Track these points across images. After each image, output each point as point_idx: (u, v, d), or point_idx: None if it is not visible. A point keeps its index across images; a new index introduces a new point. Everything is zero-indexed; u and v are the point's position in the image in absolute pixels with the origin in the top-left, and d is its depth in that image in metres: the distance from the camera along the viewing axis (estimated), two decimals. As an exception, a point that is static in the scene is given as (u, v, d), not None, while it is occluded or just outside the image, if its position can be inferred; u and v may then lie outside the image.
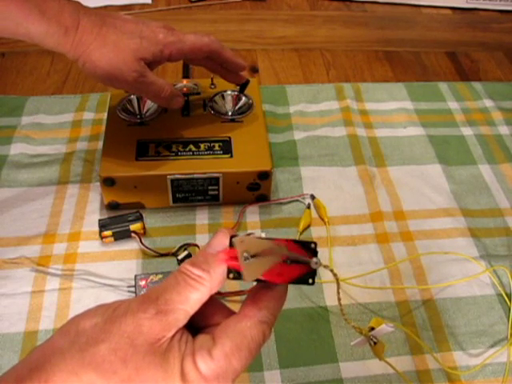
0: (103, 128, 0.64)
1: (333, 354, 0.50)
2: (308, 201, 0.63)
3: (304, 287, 0.54)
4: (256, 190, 0.61)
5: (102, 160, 0.58)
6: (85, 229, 0.59)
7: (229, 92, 0.67)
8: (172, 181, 0.58)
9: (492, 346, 0.51)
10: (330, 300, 0.54)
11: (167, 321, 0.28)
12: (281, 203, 0.63)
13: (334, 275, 0.33)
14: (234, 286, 0.53)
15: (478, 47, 0.92)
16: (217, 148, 0.60)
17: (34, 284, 0.54)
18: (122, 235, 0.57)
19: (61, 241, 0.58)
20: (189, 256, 0.56)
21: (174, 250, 0.57)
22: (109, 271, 0.55)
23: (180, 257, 0.56)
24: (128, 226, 0.57)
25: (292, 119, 0.74)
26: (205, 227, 0.60)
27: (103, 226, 0.57)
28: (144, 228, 0.58)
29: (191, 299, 0.28)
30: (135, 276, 0.53)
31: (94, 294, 0.53)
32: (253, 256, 0.29)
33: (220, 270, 0.29)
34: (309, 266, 0.29)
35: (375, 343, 0.41)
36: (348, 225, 0.61)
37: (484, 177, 0.68)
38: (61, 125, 0.71)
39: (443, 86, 0.81)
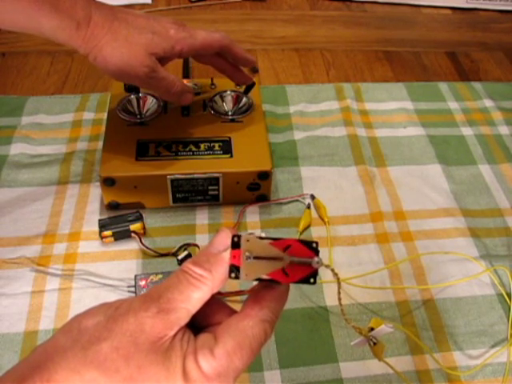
0: (103, 128, 0.64)
1: (333, 354, 0.50)
2: (308, 201, 0.63)
3: (304, 287, 0.54)
4: (256, 189, 0.61)
5: (102, 160, 0.58)
6: (85, 229, 0.59)
7: (229, 92, 0.67)
8: (172, 181, 0.58)
9: (492, 346, 0.51)
10: (330, 300, 0.54)
11: (169, 319, 0.28)
12: (281, 203, 0.63)
13: (335, 275, 0.33)
14: (235, 285, 0.53)
15: (478, 47, 0.92)
16: (217, 148, 0.60)
17: (34, 284, 0.54)
18: (122, 235, 0.57)
19: (61, 241, 0.57)
20: (189, 256, 0.56)
21: (174, 250, 0.57)
22: (109, 271, 0.55)
23: (180, 257, 0.56)
24: (128, 225, 0.57)
25: (292, 119, 0.74)
26: (205, 227, 0.60)
27: (103, 226, 0.57)
28: (144, 228, 0.58)
29: (193, 298, 0.28)
30: (135, 276, 0.53)
31: (94, 294, 0.53)
32: (255, 257, 0.29)
33: (222, 270, 0.29)
34: (310, 267, 0.29)
35: (375, 343, 0.41)
36: (348, 225, 0.61)
37: (484, 177, 0.68)
38: (61, 125, 0.71)
39: (443, 86, 0.81)
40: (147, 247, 0.57)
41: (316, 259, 0.29)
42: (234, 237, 0.30)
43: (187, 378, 0.27)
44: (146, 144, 0.60)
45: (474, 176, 0.68)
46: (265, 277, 0.29)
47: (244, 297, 0.53)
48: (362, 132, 0.73)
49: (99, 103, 0.74)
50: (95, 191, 0.63)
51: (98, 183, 0.59)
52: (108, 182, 0.57)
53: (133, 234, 0.57)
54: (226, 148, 0.60)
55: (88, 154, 0.67)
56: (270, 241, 0.30)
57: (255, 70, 0.84)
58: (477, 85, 0.82)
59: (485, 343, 0.52)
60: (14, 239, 0.57)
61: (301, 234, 0.60)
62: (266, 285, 0.30)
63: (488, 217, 0.63)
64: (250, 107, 0.66)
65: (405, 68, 0.86)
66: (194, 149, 0.60)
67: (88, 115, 0.73)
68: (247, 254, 0.29)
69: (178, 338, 0.28)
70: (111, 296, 0.53)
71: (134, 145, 0.60)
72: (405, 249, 0.59)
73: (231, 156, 0.60)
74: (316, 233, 0.60)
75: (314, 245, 0.30)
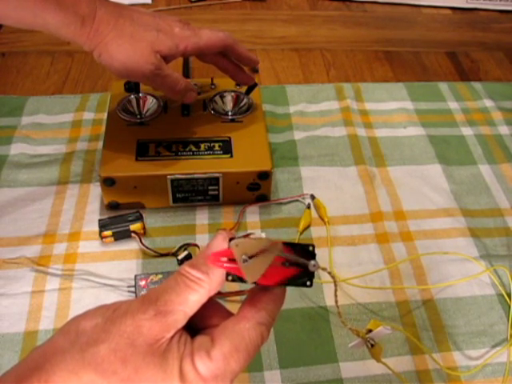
0: (103, 128, 0.64)
1: (333, 354, 0.50)
2: (308, 201, 0.63)
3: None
4: (256, 189, 0.61)
5: (102, 160, 0.58)
6: (85, 229, 0.59)
7: (229, 92, 0.67)
8: (172, 181, 0.58)
9: (492, 346, 0.51)
10: (330, 300, 0.54)
11: (166, 322, 0.28)
12: (281, 203, 0.63)
13: (332, 277, 0.33)
14: (234, 285, 0.53)
15: (478, 47, 0.92)
16: (217, 148, 0.60)
17: (34, 284, 0.54)
18: (121, 235, 0.57)
19: (61, 241, 0.58)
20: (189, 256, 0.56)
21: (174, 250, 0.57)
22: (109, 271, 0.55)
23: (180, 257, 0.56)
24: (128, 225, 0.57)
25: (292, 119, 0.74)
26: (205, 227, 0.60)
27: (103, 226, 0.57)
28: (144, 228, 0.58)
29: (190, 301, 0.28)
30: (135, 276, 0.53)
31: (94, 293, 0.53)
32: (251, 257, 0.29)
33: (219, 273, 0.29)
34: (306, 268, 0.29)
35: (372, 345, 0.41)
36: (348, 225, 0.61)
37: (484, 177, 0.68)
38: (61, 125, 0.71)
39: (443, 86, 0.81)
40: (147, 247, 0.57)
41: (312, 262, 0.29)
42: (231, 240, 0.30)
43: (184, 380, 0.27)
44: (146, 144, 0.60)
45: (474, 176, 0.68)
46: (261, 282, 0.29)
47: (243, 297, 0.53)
48: (361, 132, 0.73)
49: (99, 103, 0.74)
50: (95, 191, 0.63)
51: (98, 183, 0.59)
52: (108, 182, 0.57)
53: (133, 234, 0.57)
54: (226, 148, 0.60)
55: (88, 154, 0.67)
56: (259, 237, 0.29)
57: (255, 70, 0.84)
58: (477, 85, 0.82)
59: (485, 343, 0.51)
60: (14, 239, 0.57)
61: (301, 234, 0.60)
62: (262, 287, 0.30)
63: (488, 217, 0.63)
64: (250, 107, 0.66)
65: (405, 68, 0.86)
66: (194, 149, 0.60)
67: (88, 115, 0.73)
68: (243, 257, 0.29)
69: (175, 340, 0.28)
70: (111, 296, 0.53)
71: (134, 145, 0.60)
72: (405, 249, 0.59)
73: (231, 156, 0.60)
74: (316, 233, 0.60)
75: (311, 248, 0.30)
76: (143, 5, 0.97)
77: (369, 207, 0.63)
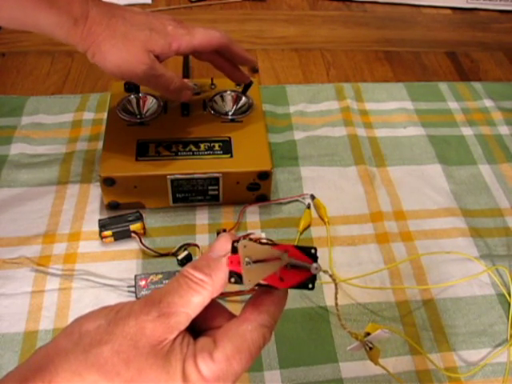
0: (103, 128, 0.64)
1: (333, 354, 0.50)
2: (308, 201, 0.63)
3: (304, 287, 0.54)
4: (256, 189, 0.61)
5: (102, 160, 0.58)
6: (85, 229, 0.59)
7: (229, 92, 0.67)
8: (172, 181, 0.58)
9: (492, 346, 0.51)
10: (330, 300, 0.54)
11: (169, 323, 0.28)
12: (281, 203, 0.63)
13: (333, 280, 0.33)
14: (235, 286, 0.53)
15: (477, 47, 0.92)
16: (217, 148, 0.60)
17: (34, 284, 0.54)
18: (122, 235, 0.57)
19: (61, 241, 0.57)
20: (189, 256, 0.56)
21: (174, 250, 0.57)
22: (109, 271, 0.55)
23: (180, 257, 0.56)
24: (128, 226, 0.57)
25: (292, 119, 0.74)
26: (205, 227, 0.60)
27: (103, 226, 0.57)
28: (144, 228, 0.58)
29: (193, 302, 0.29)
30: (135, 276, 0.53)
31: (94, 294, 0.53)
32: (254, 262, 0.29)
33: (222, 275, 0.29)
34: (309, 272, 0.29)
35: (371, 348, 0.41)
36: (348, 225, 0.61)
37: (484, 177, 0.68)
38: (61, 125, 0.71)
39: (443, 86, 0.81)
40: (147, 247, 0.57)
41: (315, 265, 0.29)
42: (234, 242, 0.30)
43: (187, 381, 0.27)
44: (146, 144, 0.60)
45: (474, 176, 0.68)
46: (263, 282, 0.29)
47: (244, 297, 0.53)
48: (362, 132, 0.73)
49: (99, 103, 0.74)
50: (95, 191, 0.63)
51: (98, 183, 0.58)
52: (108, 182, 0.57)
53: (133, 234, 0.57)
54: (226, 148, 0.60)
55: (88, 154, 0.67)
56: (268, 246, 0.30)
57: (255, 70, 0.84)
58: (477, 85, 0.82)
59: (485, 343, 0.52)
60: (14, 239, 0.57)
61: (301, 234, 0.60)
62: (264, 290, 0.31)
63: (488, 217, 0.63)
64: (249, 107, 0.66)
65: (405, 68, 0.86)
66: (193, 149, 0.60)
67: (88, 115, 0.73)
68: (247, 259, 0.29)
69: (178, 341, 0.28)
70: (111, 296, 0.53)
71: (134, 145, 0.60)
72: (405, 249, 0.59)
73: (231, 156, 0.60)
74: (316, 233, 0.60)
75: (313, 250, 0.30)
76: (143, 5, 0.97)
77: (369, 207, 0.63)
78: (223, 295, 0.52)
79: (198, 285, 0.29)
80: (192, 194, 0.60)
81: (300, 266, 0.29)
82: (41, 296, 0.53)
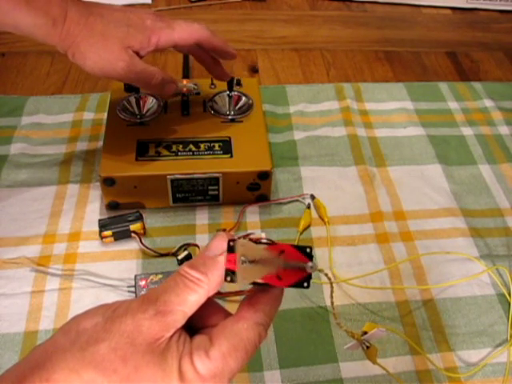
0: (103, 128, 0.64)
1: (333, 354, 0.50)
2: (308, 201, 0.63)
3: (304, 287, 0.54)
4: (256, 190, 0.61)
5: (102, 160, 0.58)
6: (85, 229, 0.59)
7: (229, 92, 0.67)
8: (172, 181, 0.58)
9: (492, 346, 0.51)
10: (330, 301, 0.54)
11: (166, 321, 0.28)
12: (281, 203, 0.63)
13: (329, 279, 0.33)
14: (234, 286, 0.53)
15: (478, 47, 0.92)
16: (217, 148, 0.60)
17: (34, 284, 0.54)
18: (122, 235, 0.57)
19: (61, 241, 0.58)
20: (189, 256, 0.56)
21: (174, 250, 0.57)
22: (109, 271, 0.55)
23: (180, 257, 0.56)
24: (128, 226, 0.57)
25: (292, 119, 0.74)
26: (205, 227, 0.60)
27: (103, 226, 0.57)
28: (144, 228, 0.58)
29: (189, 301, 0.29)
30: (135, 276, 0.53)
31: (94, 293, 0.53)
32: (250, 261, 0.29)
33: (218, 273, 0.29)
34: (305, 271, 0.30)
35: (368, 347, 0.41)
36: (348, 225, 0.61)
37: (484, 177, 0.68)
38: (61, 125, 0.71)
39: (443, 86, 0.81)
40: (147, 247, 0.57)
41: (310, 264, 0.30)
42: (230, 241, 0.30)
43: (183, 379, 0.27)
44: (146, 144, 0.60)
45: (474, 176, 0.68)
46: (259, 281, 0.29)
47: (243, 297, 0.53)
48: (362, 132, 0.73)
49: (99, 103, 0.74)
50: (95, 191, 0.63)
51: (98, 183, 0.59)
52: (108, 182, 0.57)
53: (133, 234, 0.57)
54: (226, 148, 0.60)
55: (88, 154, 0.67)
56: (264, 246, 0.30)
57: (255, 70, 0.84)
58: (477, 85, 0.82)
59: (485, 343, 0.51)
60: (14, 239, 0.57)
61: (301, 234, 0.60)
62: (260, 288, 0.31)
63: (488, 217, 0.63)
64: (249, 107, 0.66)
65: (405, 68, 0.86)
66: (193, 149, 0.60)
67: (88, 115, 0.73)
68: (243, 258, 0.29)
69: (175, 339, 0.28)
70: (111, 296, 0.53)
71: (134, 145, 0.60)
72: (405, 249, 0.59)
73: (231, 156, 0.60)
74: (316, 233, 0.60)
75: (308, 250, 0.30)
76: (143, 5, 0.97)
77: (369, 207, 0.63)
78: (222, 295, 0.52)
79: (195, 283, 0.29)
80: (192, 194, 0.60)
81: (296, 265, 0.30)
82: (41, 296, 0.53)
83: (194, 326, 0.31)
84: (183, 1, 1.00)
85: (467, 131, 0.74)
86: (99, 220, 0.58)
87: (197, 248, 0.57)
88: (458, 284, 0.56)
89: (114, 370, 0.27)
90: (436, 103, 0.78)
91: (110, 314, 0.28)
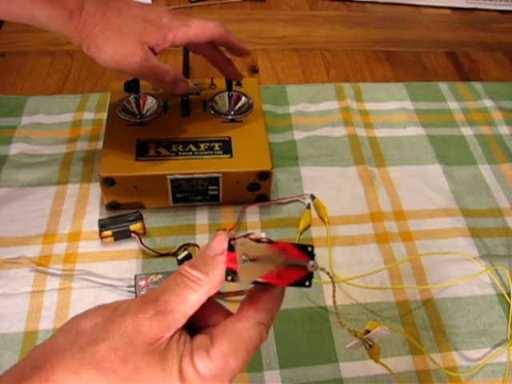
0: (103, 128, 0.64)
1: (333, 354, 0.50)
2: (308, 201, 0.63)
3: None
4: (256, 189, 0.61)
5: (102, 160, 0.58)
6: (85, 229, 0.59)
7: (229, 92, 0.67)
8: (172, 181, 0.58)
9: (492, 346, 0.51)
10: (330, 300, 0.54)
11: (166, 321, 0.28)
12: (281, 203, 0.63)
13: (331, 278, 0.33)
14: (234, 286, 0.53)
15: (478, 47, 0.92)
16: (217, 148, 0.60)
17: (34, 284, 0.54)
18: (122, 235, 0.57)
19: (61, 241, 0.57)
20: (189, 256, 0.56)
21: (174, 250, 0.57)
22: (109, 271, 0.55)
23: (180, 257, 0.56)
24: (128, 226, 0.57)
25: (292, 119, 0.74)
26: (205, 227, 0.60)
27: (103, 226, 0.57)
28: (144, 228, 0.58)
29: (190, 300, 0.29)
30: (135, 276, 0.53)
31: (94, 293, 0.53)
32: (251, 260, 0.29)
33: (218, 273, 0.29)
34: (306, 269, 0.30)
35: (370, 346, 0.41)
36: (348, 225, 0.61)
37: (484, 177, 0.68)
38: (61, 125, 0.71)
39: (443, 86, 0.81)
40: (147, 247, 0.57)
41: (311, 263, 0.30)
42: (230, 240, 0.30)
43: (183, 379, 0.27)
44: (146, 144, 0.60)
45: (474, 176, 0.68)
46: (260, 280, 0.29)
47: (244, 297, 0.53)
48: (362, 132, 0.73)
49: (99, 103, 0.74)
50: (95, 191, 0.63)
51: (98, 183, 0.59)
52: (108, 182, 0.57)
53: (133, 234, 0.57)
54: (226, 148, 0.60)
55: (88, 154, 0.67)
56: (265, 244, 0.30)
57: (255, 70, 0.84)
58: (477, 85, 0.82)
59: (485, 343, 0.52)
60: (14, 239, 0.57)
61: (301, 234, 0.60)
62: (261, 287, 0.31)
63: (488, 217, 0.63)
64: (249, 107, 0.66)
65: (405, 68, 0.86)
66: (193, 149, 0.60)
67: (88, 115, 0.73)
68: (243, 257, 0.29)
69: (175, 339, 0.28)
70: (111, 296, 0.53)
71: (134, 145, 0.60)
72: (405, 249, 0.59)
73: (231, 156, 0.60)
74: (316, 233, 0.60)
75: (310, 248, 0.30)
76: (150, 4, 0.97)
77: (369, 207, 0.63)
78: (223, 295, 0.52)
79: (195, 283, 0.29)
80: (192, 193, 0.60)
81: (297, 264, 0.29)
82: (41, 296, 0.53)
83: (195, 326, 0.31)
84: (183, 1, 1.00)
85: (467, 131, 0.74)
86: (99, 220, 0.58)
87: (197, 248, 0.57)
88: (458, 284, 0.56)
89: (113, 371, 0.26)
90: (436, 103, 0.78)
91: (109, 314, 0.28)
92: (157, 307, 0.28)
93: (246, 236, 0.48)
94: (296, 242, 0.59)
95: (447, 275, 0.56)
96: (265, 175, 0.59)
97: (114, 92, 0.66)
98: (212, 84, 0.68)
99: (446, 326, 0.53)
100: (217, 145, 0.60)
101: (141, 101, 0.65)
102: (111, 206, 0.60)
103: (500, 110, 0.77)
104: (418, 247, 0.59)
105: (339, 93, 0.79)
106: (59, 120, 0.72)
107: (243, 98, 0.67)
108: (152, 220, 0.60)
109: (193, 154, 0.59)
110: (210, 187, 0.60)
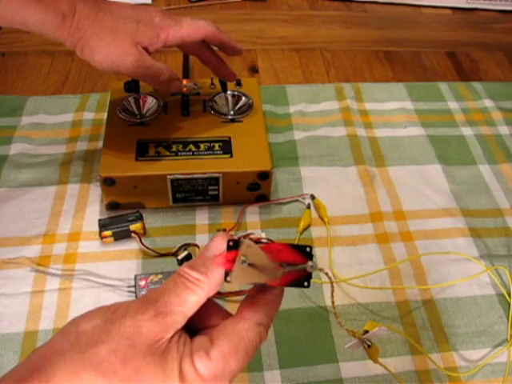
0: (103, 128, 0.64)
1: (333, 354, 0.50)
2: (308, 201, 0.63)
3: (304, 287, 0.54)
4: (256, 189, 0.61)
5: (102, 160, 0.58)
6: (85, 229, 0.59)
7: (229, 92, 0.67)
8: (172, 181, 0.58)
9: (492, 346, 0.51)
10: (330, 300, 0.54)
11: (166, 322, 0.28)
12: (281, 203, 0.63)
13: (329, 278, 0.33)
14: (234, 286, 0.53)
15: (477, 47, 0.92)
16: (217, 148, 0.60)
17: (34, 284, 0.54)
18: (122, 235, 0.57)
19: (61, 241, 0.58)
20: (189, 256, 0.56)
21: (174, 250, 0.57)
22: (109, 271, 0.55)
23: (180, 257, 0.56)
24: (128, 226, 0.57)
25: (292, 119, 0.74)
26: (205, 227, 0.60)
27: (103, 226, 0.57)
28: (144, 228, 0.58)
29: (189, 301, 0.29)
30: (135, 276, 0.53)
31: (94, 293, 0.53)
32: (249, 264, 0.29)
33: (217, 273, 0.29)
34: (305, 270, 0.30)
35: (369, 346, 0.41)
36: (348, 225, 0.61)
37: (484, 177, 0.68)
38: (61, 125, 0.71)
39: (443, 86, 0.81)
40: (147, 247, 0.57)
41: (310, 263, 0.30)
42: (229, 241, 0.30)
43: (184, 380, 0.27)
44: (146, 144, 0.60)
45: (474, 176, 0.68)
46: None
47: (243, 297, 0.53)
48: (361, 132, 0.73)
49: (99, 103, 0.74)
50: (95, 191, 0.63)
51: (98, 183, 0.59)
52: (108, 182, 0.57)
53: (133, 234, 0.57)
54: (226, 148, 0.60)
55: (88, 154, 0.67)
56: (268, 256, 0.29)
57: (255, 70, 0.84)
58: (477, 85, 0.82)
59: (485, 343, 0.51)
60: (14, 239, 0.57)
61: (301, 234, 0.60)
62: (260, 288, 0.31)
63: (488, 217, 0.63)
64: (249, 107, 0.66)
65: (405, 68, 0.86)
66: (193, 149, 0.60)
67: (88, 115, 0.73)
68: (243, 258, 0.29)
69: (175, 340, 0.28)
70: (111, 296, 0.53)
71: (133, 145, 0.60)
72: (405, 249, 0.59)
73: (231, 156, 0.60)
74: (316, 233, 0.60)
75: (308, 249, 0.30)
76: (142, 5, 0.97)
77: (369, 207, 0.63)
78: (222, 295, 0.52)
79: (194, 284, 0.29)
80: (192, 193, 0.60)
81: (296, 269, 0.29)
82: (41, 296, 0.53)
83: (194, 327, 0.31)
84: (183, 1, 1.00)
85: (467, 131, 0.74)
86: (99, 220, 0.58)
87: (197, 248, 0.57)
88: (458, 284, 0.56)
89: (114, 372, 0.26)
90: (436, 103, 0.78)
91: (109, 315, 0.28)
92: (156, 308, 0.28)
93: (246, 236, 0.48)
94: (296, 242, 0.59)
95: (447, 275, 0.56)
96: (265, 175, 0.59)
97: (114, 92, 0.66)
98: (212, 84, 0.68)
99: (445, 326, 0.53)
100: (217, 145, 0.60)
101: (141, 101, 0.65)
102: (111, 206, 0.60)
103: (500, 109, 0.77)
104: (418, 247, 0.59)
105: (339, 93, 0.79)
106: (59, 120, 0.72)
107: (243, 98, 0.67)
108: (152, 220, 0.60)
109: (193, 154, 0.59)
110: (209, 187, 0.60)
